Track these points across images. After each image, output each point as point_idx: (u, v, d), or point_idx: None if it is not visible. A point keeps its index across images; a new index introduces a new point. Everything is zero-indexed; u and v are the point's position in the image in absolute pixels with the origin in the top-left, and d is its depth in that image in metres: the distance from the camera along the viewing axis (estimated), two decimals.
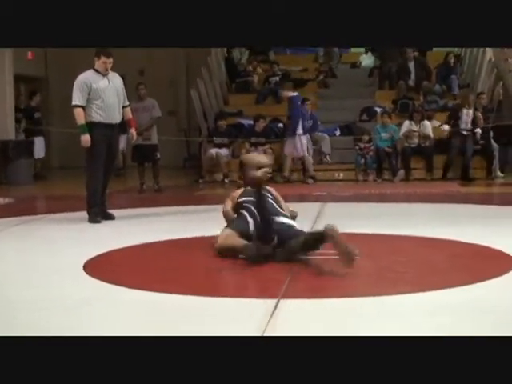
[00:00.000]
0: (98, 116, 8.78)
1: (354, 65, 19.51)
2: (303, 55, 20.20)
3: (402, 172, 15.03)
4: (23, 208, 10.93)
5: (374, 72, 18.64)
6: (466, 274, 5.57)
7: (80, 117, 8.75)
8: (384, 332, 3.89)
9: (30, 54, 19.89)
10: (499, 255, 6.20)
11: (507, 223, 8.37)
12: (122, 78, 9.25)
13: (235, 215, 6.51)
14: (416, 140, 15.29)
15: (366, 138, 15.37)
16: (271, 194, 6.59)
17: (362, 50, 19.66)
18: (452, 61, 17.61)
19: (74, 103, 8.79)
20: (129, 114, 9.32)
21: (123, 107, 9.12)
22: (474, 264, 6.05)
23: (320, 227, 5.95)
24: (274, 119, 16.45)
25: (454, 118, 15.04)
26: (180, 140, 19.07)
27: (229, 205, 6.73)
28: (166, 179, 14.57)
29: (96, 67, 8.90)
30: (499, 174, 14.52)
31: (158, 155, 13.53)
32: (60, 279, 5.56)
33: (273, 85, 18.05)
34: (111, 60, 8.89)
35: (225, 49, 19.19)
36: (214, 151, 15.20)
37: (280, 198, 6.69)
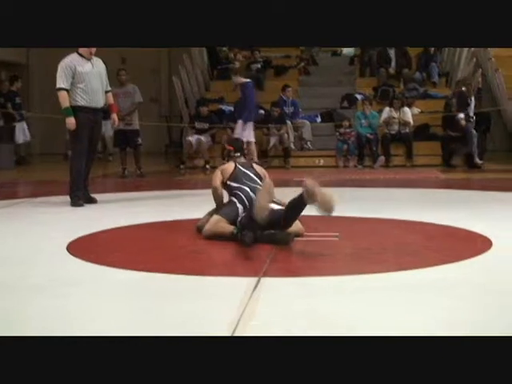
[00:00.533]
0: (82, 100, 8.81)
1: (335, 52, 19.64)
2: None
3: (382, 158, 15.19)
4: (4, 192, 10.95)
5: (355, 60, 18.76)
6: (442, 254, 5.69)
7: (64, 100, 8.77)
8: (360, 307, 4.03)
9: None
10: (476, 237, 6.32)
11: (484, 207, 8.51)
12: (105, 64, 9.28)
13: (224, 200, 6.55)
14: (396, 127, 15.45)
15: (347, 124, 15.52)
16: (258, 174, 6.63)
17: None
18: (432, 49, 17.74)
19: (58, 86, 8.80)
20: (111, 99, 9.36)
21: (106, 92, 9.16)
22: (451, 245, 6.17)
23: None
24: (256, 106, 16.48)
25: (464, 105, 15.14)
26: (162, 126, 19.14)
27: (218, 180, 6.63)
28: (148, 165, 14.63)
29: (80, 51, 8.92)
30: (478, 161, 14.66)
31: (140, 140, 13.59)
32: (44, 259, 5.63)
33: (254, 71, 18.12)
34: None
35: None
36: (194, 138, 15.22)
37: (268, 181, 6.64)
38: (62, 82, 8.78)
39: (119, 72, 13.71)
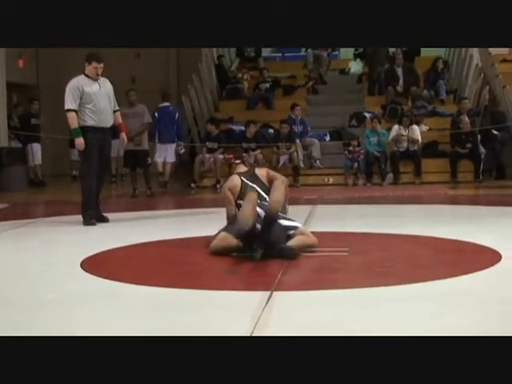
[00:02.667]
0: (90, 120, 8.90)
1: (343, 71, 19.76)
2: (292, 62, 20.44)
3: (390, 175, 15.27)
4: (18, 212, 11.05)
5: (363, 78, 18.87)
6: (451, 267, 5.74)
7: (73, 121, 8.86)
8: (371, 319, 4.10)
9: (21, 62, 20.04)
10: (485, 250, 6.38)
11: (493, 221, 8.57)
12: (115, 84, 9.39)
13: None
14: (405, 144, 15.54)
15: (355, 142, 15.62)
16: (265, 185, 6.72)
17: (351, 56, 19.91)
18: (440, 66, 17.83)
19: (66, 107, 8.90)
20: (119, 119, 9.43)
21: (114, 112, 9.26)
22: (460, 258, 6.22)
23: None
24: (265, 125, 16.62)
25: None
26: None
27: (231, 202, 6.67)
28: (159, 185, 14.73)
29: (87, 72, 9.02)
30: (481, 176, 14.86)
31: (149, 161, 13.70)
32: (58, 276, 5.71)
33: (263, 91, 18.25)
34: (102, 65, 9.00)
35: (215, 56, 19.39)
36: (206, 157, 15.37)
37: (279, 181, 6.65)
38: (70, 103, 8.87)
39: (128, 92, 13.81)
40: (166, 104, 15.12)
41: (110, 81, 9.24)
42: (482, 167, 15.20)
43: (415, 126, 15.65)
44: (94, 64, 8.94)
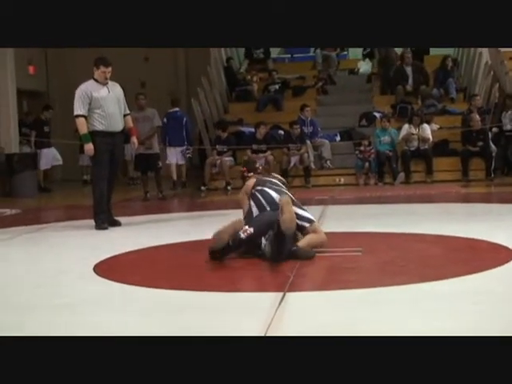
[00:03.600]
0: (100, 125, 8.90)
1: (352, 71, 19.71)
2: (301, 63, 20.42)
3: (402, 175, 15.25)
4: (30, 218, 11.08)
5: (372, 78, 18.85)
6: (464, 265, 5.73)
7: (83, 126, 8.87)
8: (385, 318, 4.09)
9: (31, 69, 20.12)
10: (498, 248, 6.36)
11: (505, 219, 8.54)
12: (123, 89, 9.40)
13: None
14: (415, 143, 15.51)
15: (366, 142, 15.61)
16: (280, 180, 6.85)
17: (360, 56, 19.89)
18: (449, 64, 17.78)
19: (76, 113, 8.91)
20: (129, 123, 9.43)
21: (124, 116, 9.26)
22: (473, 256, 6.22)
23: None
24: (275, 126, 16.63)
25: None
26: None
27: (243, 195, 6.86)
28: (170, 188, 14.75)
29: (95, 77, 9.03)
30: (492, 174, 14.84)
31: (160, 164, 13.73)
32: (72, 280, 5.72)
33: (272, 93, 18.25)
34: (110, 69, 9.01)
35: (224, 58, 19.40)
36: (217, 157, 15.45)
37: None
38: (79, 108, 8.88)
39: (138, 96, 13.85)
40: (175, 109, 15.24)
41: (120, 85, 9.25)
42: (493, 165, 15.14)
43: (425, 125, 15.62)
44: (102, 68, 8.95)
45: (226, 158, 15.40)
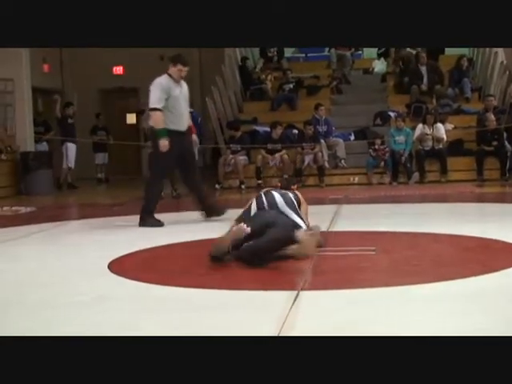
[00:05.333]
0: (170, 123, 8.72)
1: (367, 71, 19.70)
2: (316, 62, 20.42)
3: (416, 174, 15.24)
4: (46, 216, 11.12)
5: (387, 77, 18.82)
6: (479, 265, 5.71)
7: (160, 120, 8.66)
8: (400, 317, 4.09)
9: (46, 67, 20.19)
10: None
11: None
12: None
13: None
14: (430, 143, 15.49)
15: (379, 141, 15.61)
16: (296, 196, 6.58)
17: (375, 55, 19.87)
18: (465, 64, 17.74)
19: (152, 106, 8.70)
20: (189, 121, 9.28)
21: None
22: (488, 256, 6.20)
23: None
24: (289, 126, 16.63)
25: None
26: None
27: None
28: (184, 187, 14.74)
29: (170, 72, 8.83)
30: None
31: None
32: (86, 277, 5.73)
33: (287, 92, 18.26)
34: (187, 69, 8.87)
35: (239, 57, 19.41)
36: (231, 156, 15.47)
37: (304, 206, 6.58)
38: (157, 102, 8.66)
39: None
40: (190, 110, 15.26)
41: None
42: (508, 165, 15.09)
43: (439, 125, 15.59)
44: (179, 66, 8.77)
45: (240, 157, 15.44)
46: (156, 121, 8.73)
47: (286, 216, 6.14)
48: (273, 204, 6.23)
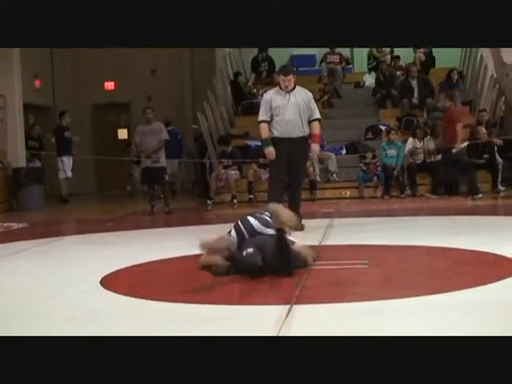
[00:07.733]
0: (275, 131, 9.32)
1: (358, 84, 19.74)
2: (306, 76, 20.44)
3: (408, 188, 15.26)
4: (37, 232, 11.10)
5: (378, 91, 18.86)
6: (472, 278, 5.73)
7: (264, 131, 9.40)
8: (394, 330, 4.09)
9: (37, 82, 20.18)
10: (504, 260, 6.36)
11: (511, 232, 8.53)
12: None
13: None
14: (421, 156, 15.52)
15: (370, 155, 15.63)
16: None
17: (366, 69, 19.93)
18: (455, 77, 17.80)
19: (258, 119, 9.53)
20: (314, 129, 9.55)
21: (311, 121, 9.44)
22: (480, 269, 6.21)
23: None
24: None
25: None
26: (189, 163, 19.31)
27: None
28: (176, 202, 14.77)
29: (279, 81, 9.57)
30: (500, 187, 14.80)
31: (167, 177, 13.75)
32: (78, 293, 5.72)
33: None
34: (288, 78, 9.33)
35: (230, 71, 19.44)
36: (223, 171, 15.46)
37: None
38: (261, 115, 9.47)
39: (145, 110, 13.86)
40: (170, 128, 16.15)
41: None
42: (499, 177, 15.12)
43: (430, 138, 15.63)
44: (281, 77, 9.42)
45: (232, 172, 15.42)
46: (261, 131, 9.50)
47: (266, 234, 6.22)
48: (251, 230, 6.30)
